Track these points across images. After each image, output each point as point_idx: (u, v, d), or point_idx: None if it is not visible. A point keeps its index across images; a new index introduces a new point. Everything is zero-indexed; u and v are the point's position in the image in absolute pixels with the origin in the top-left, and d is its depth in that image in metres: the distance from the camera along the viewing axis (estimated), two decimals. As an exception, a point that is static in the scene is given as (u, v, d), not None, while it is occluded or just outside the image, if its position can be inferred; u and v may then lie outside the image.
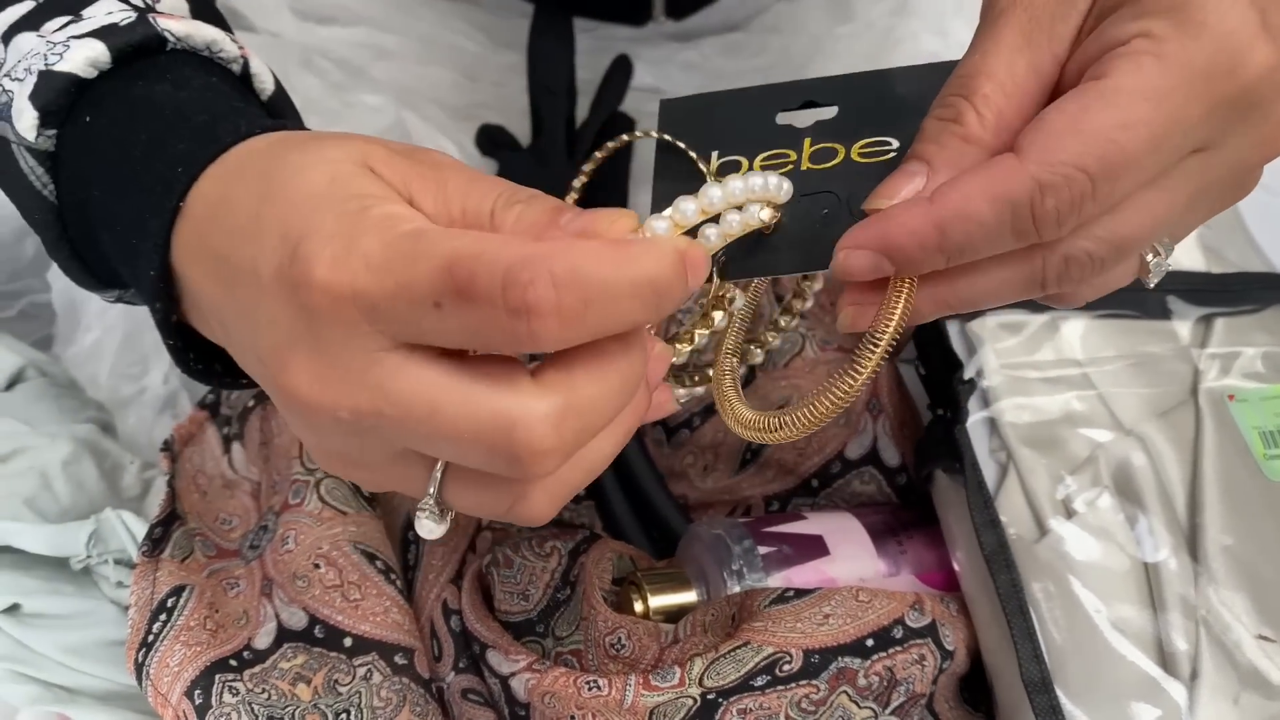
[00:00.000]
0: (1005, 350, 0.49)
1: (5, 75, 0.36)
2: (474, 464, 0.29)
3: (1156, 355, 0.50)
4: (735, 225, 0.33)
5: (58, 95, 0.35)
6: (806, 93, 0.36)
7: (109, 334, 0.63)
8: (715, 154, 0.36)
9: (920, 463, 0.49)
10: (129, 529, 0.46)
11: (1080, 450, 0.46)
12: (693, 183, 0.34)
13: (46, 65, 0.35)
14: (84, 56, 0.35)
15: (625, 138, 0.43)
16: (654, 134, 0.38)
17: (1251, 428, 0.48)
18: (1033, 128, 0.30)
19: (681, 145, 0.37)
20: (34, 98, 0.35)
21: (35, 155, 0.36)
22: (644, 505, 0.53)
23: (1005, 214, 0.29)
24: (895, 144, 0.34)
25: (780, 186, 0.33)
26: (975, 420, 0.47)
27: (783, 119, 0.36)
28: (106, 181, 0.35)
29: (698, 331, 0.37)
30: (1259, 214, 0.68)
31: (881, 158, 0.34)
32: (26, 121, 0.35)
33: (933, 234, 0.30)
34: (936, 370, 0.50)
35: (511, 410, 0.28)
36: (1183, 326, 0.51)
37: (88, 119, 0.36)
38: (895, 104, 0.35)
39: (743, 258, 0.34)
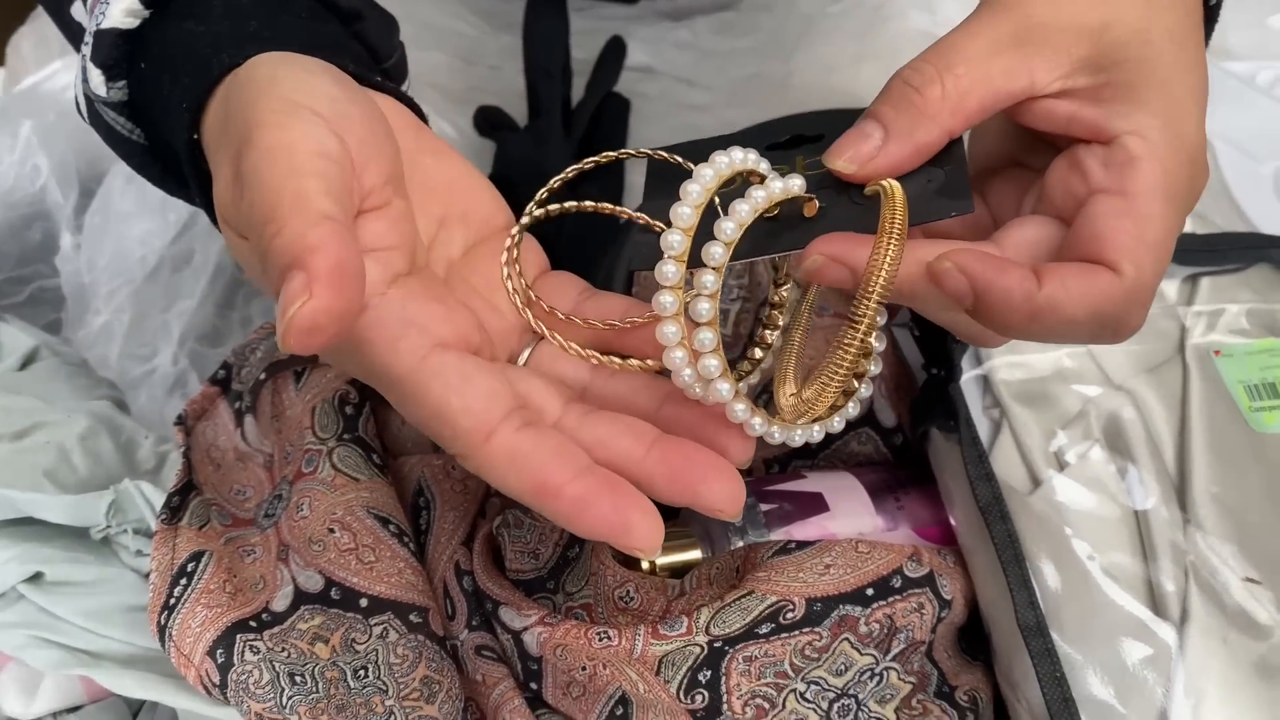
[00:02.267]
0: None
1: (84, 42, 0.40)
2: None
3: (1144, 313, 0.51)
4: (746, 213, 0.33)
5: (109, 50, 0.38)
6: (792, 127, 0.38)
7: (117, 317, 0.64)
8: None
9: (916, 421, 0.50)
10: (147, 499, 0.47)
11: (1071, 405, 0.48)
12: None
13: (97, 25, 0.38)
14: (120, 9, 0.38)
15: (614, 155, 0.41)
16: (645, 151, 0.38)
17: (1237, 381, 0.49)
18: (1110, 240, 0.32)
19: (677, 159, 0.37)
20: (94, 58, 0.39)
21: (113, 108, 0.39)
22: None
23: (1095, 323, 0.32)
24: None
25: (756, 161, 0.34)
26: (969, 378, 0.49)
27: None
28: (164, 119, 0.38)
29: (768, 332, 0.38)
30: (1242, 180, 0.69)
31: None
32: (95, 79, 0.39)
33: (1023, 313, 0.31)
34: (930, 330, 0.51)
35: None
36: (1170, 285, 0.52)
37: (142, 65, 0.39)
38: None
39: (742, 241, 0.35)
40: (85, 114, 0.42)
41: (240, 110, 0.33)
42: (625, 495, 0.31)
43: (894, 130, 0.34)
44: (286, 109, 0.32)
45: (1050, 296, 0.31)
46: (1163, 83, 0.33)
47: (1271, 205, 0.68)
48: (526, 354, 0.38)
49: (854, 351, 0.34)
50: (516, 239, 0.39)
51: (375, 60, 0.42)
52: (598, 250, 0.64)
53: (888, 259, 0.32)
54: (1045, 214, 0.35)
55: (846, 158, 0.34)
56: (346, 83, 0.36)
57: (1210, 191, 0.70)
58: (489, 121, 0.71)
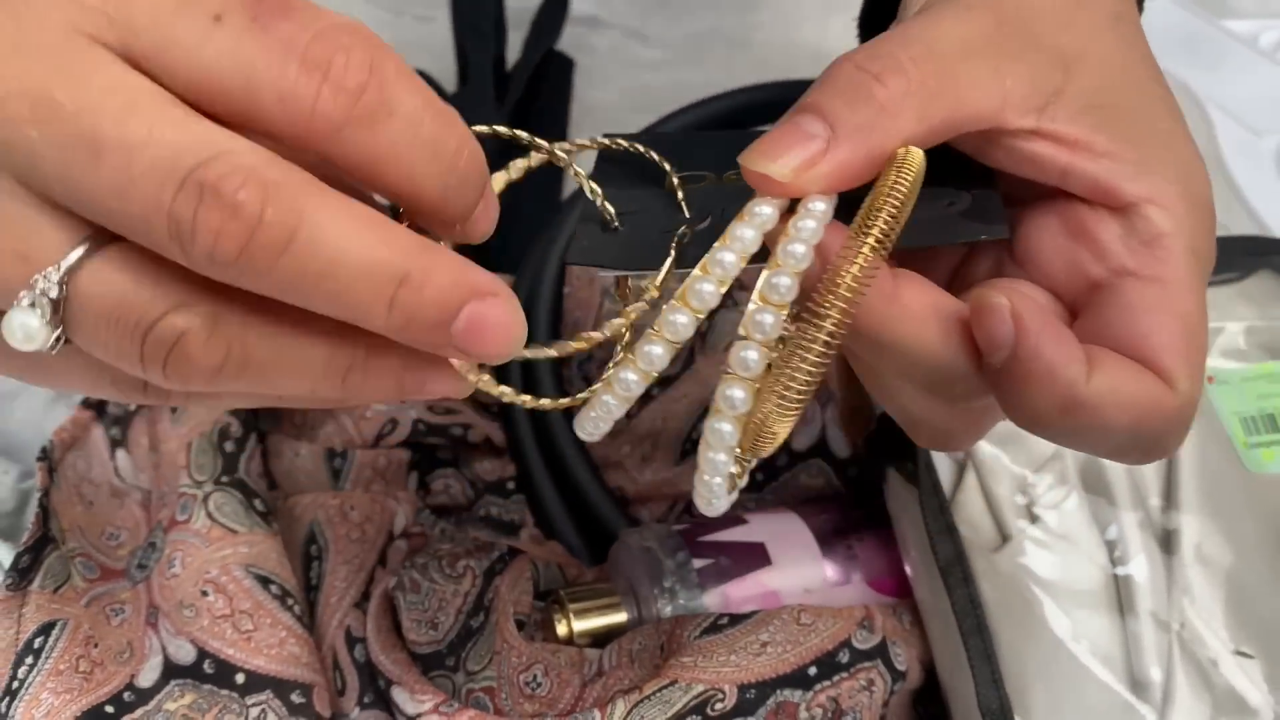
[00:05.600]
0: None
1: None
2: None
3: (1130, 333, 0.45)
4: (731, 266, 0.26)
5: None
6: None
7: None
8: (671, 168, 0.29)
9: (871, 460, 0.44)
10: (-6, 557, 0.41)
11: (1045, 446, 0.42)
12: (632, 189, 0.28)
13: None
14: None
15: (569, 146, 0.30)
16: (605, 140, 0.29)
17: (1232, 414, 0.43)
18: (1159, 344, 0.26)
19: (641, 148, 0.29)
20: None
21: None
22: (577, 498, 0.49)
23: (1132, 436, 0.26)
24: None
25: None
26: (931, 413, 0.43)
27: None
28: None
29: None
30: (1240, 155, 0.63)
31: None
32: None
33: (1059, 400, 0.25)
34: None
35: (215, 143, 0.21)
36: (1159, 299, 0.46)
37: None
38: None
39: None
40: None
41: None
42: None
43: (843, 128, 0.25)
44: None
45: (1098, 392, 0.25)
46: (1167, 135, 0.27)
47: (1272, 184, 0.62)
48: None
49: (816, 356, 0.25)
50: None
51: None
52: (528, 234, 0.57)
53: (881, 220, 0.24)
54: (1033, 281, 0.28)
55: (780, 162, 0.25)
56: None
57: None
58: (413, 87, 0.64)
